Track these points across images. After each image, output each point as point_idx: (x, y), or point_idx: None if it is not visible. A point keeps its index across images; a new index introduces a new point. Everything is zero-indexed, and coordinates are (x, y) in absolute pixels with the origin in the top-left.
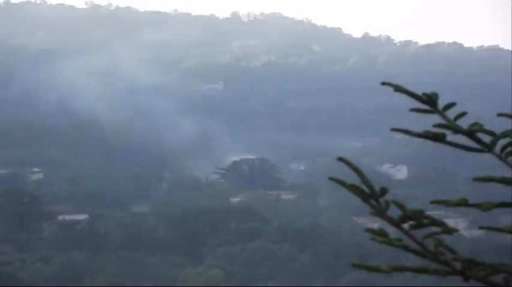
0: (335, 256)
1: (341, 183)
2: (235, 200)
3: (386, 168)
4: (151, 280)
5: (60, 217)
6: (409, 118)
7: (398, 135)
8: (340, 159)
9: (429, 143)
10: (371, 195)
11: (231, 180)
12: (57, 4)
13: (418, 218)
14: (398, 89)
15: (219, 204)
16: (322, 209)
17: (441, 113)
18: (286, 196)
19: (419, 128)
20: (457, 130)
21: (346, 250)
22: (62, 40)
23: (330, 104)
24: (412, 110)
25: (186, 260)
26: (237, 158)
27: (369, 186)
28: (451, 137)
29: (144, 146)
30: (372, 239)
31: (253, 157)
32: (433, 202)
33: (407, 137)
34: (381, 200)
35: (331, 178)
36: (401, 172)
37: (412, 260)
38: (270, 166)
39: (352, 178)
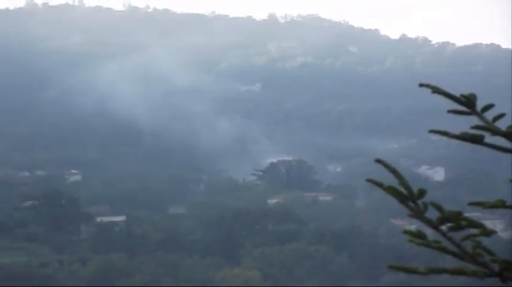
0: (372, 258)
1: (379, 185)
2: (272, 201)
3: (423, 170)
4: (189, 281)
5: (98, 219)
6: (446, 119)
7: (436, 137)
8: (378, 161)
9: (467, 145)
10: (409, 197)
11: (268, 181)
12: (95, 6)
13: (456, 220)
14: (436, 90)
15: (256, 206)
16: (359, 210)
17: (479, 114)
18: (323, 198)
19: (456, 130)
20: (495, 132)
21: (383, 252)
22: (100, 42)
23: (367, 106)
24: (450, 111)
25: (223, 261)
26: (274, 160)
27: (407, 188)
28: (488, 138)
29: (182, 147)
30: (410, 241)
31: (290, 158)
32: (470, 204)
33: (444, 138)
34: (419, 202)
35: (369, 180)
36: (438, 174)
37: (450, 262)
38: (307, 168)
39: (389, 179)
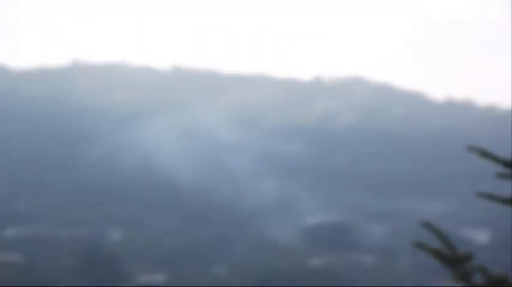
0: None
1: (424, 248)
2: (314, 262)
3: (466, 232)
4: None
5: (138, 278)
6: (487, 182)
7: (481, 199)
8: (425, 224)
9: None
10: (455, 260)
11: (310, 242)
12: (141, 66)
13: (503, 285)
14: (484, 154)
15: (298, 266)
16: (401, 272)
17: None
18: (366, 259)
19: (498, 192)
20: None
21: None
22: (145, 100)
23: (409, 167)
24: (498, 175)
25: None
26: (316, 220)
27: (453, 251)
28: None
29: (224, 205)
30: None
31: (332, 218)
32: None
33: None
34: (465, 265)
35: (415, 243)
36: (482, 237)
37: None
38: (349, 228)
39: (433, 241)
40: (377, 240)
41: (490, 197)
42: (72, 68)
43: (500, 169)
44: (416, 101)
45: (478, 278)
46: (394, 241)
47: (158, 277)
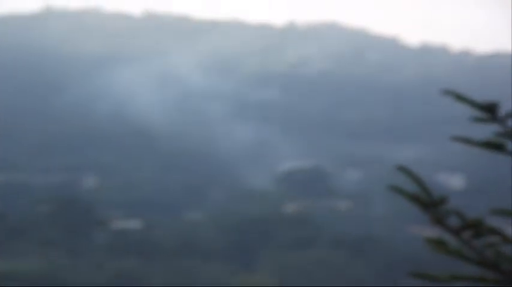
0: (389, 265)
1: (400, 192)
2: (288, 208)
3: (442, 177)
4: None
5: (113, 224)
6: (459, 127)
7: (455, 144)
8: (400, 168)
9: (486, 153)
10: (430, 204)
11: (285, 187)
12: (113, 12)
13: (478, 227)
14: (459, 97)
15: (273, 212)
16: (376, 217)
17: (502, 122)
18: (340, 204)
19: (473, 136)
20: None
21: (400, 259)
22: (117, 47)
23: (385, 113)
24: (473, 119)
25: (239, 268)
26: (291, 166)
27: (429, 195)
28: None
29: (198, 152)
30: (431, 248)
31: (307, 164)
32: (492, 211)
33: (463, 145)
34: (440, 209)
35: (391, 187)
36: (457, 182)
37: (469, 270)
38: (324, 174)
39: (407, 186)
40: (352, 185)
41: (465, 140)
42: (44, 14)
43: (476, 113)
44: (390, 46)
45: (453, 222)
46: (369, 186)
47: (133, 223)
